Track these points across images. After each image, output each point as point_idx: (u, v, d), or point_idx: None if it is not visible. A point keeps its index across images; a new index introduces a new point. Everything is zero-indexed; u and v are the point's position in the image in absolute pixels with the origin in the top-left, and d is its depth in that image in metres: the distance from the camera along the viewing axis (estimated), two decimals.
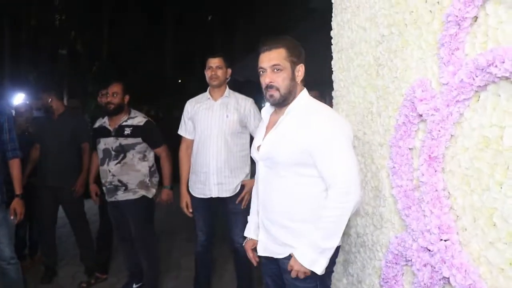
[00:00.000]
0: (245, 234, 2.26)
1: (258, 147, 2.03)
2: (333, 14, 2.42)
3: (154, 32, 15.93)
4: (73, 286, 4.05)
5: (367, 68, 2.07)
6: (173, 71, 15.38)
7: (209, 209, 3.27)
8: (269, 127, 2.03)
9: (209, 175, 3.15)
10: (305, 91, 1.99)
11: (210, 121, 3.18)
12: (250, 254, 2.23)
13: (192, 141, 3.29)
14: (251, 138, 3.30)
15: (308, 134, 1.83)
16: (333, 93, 2.47)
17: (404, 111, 1.69)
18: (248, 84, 3.40)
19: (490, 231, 1.37)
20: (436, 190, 1.55)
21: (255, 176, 2.19)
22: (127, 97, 3.58)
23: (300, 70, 1.94)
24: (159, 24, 16.21)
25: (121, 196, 3.48)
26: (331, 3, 2.44)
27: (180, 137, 3.41)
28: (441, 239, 1.54)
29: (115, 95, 3.51)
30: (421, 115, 1.63)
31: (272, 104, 1.99)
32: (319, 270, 1.84)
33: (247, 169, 3.28)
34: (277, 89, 1.91)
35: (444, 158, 1.55)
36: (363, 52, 2.09)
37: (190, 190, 3.28)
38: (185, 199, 3.26)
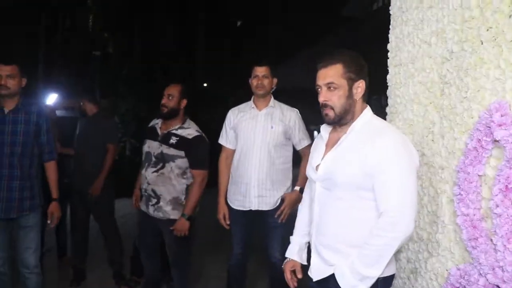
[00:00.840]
0: (287, 255, 2.16)
1: (317, 166, 1.92)
2: (391, 27, 2.31)
3: (184, 36, 15.97)
4: None
5: (430, 85, 1.95)
6: (201, 76, 15.37)
7: (247, 222, 3.17)
8: (328, 146, 1.92)
9: (250, 186, 3.06)
10: (368, 109, 1.87)
11: (254, 131, 3.10)
12: (288, 276, 2.13)
13: (233, 151, 3.21)
14: (294, 151, 3.21)
15: (370, 156, 1.71)
16: (388, 109, 2.36)
17: (477, 135, 1.57)
18: (277, 93, 3.25)
19: None
20: None
21: (308, 196, 2.09)
22: (184, 102, 3.24)
23: (360, 86, 1.82)
24: (189, 29, 16.25)
25: (152, 212, 3.20)
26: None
27: (217, 146, 3.32)
28: None
29: (170, 98, 3.20)
30: (496, 141, 1.51)
31: (328, 123, 1.88)
32: None
33: (289, 183, 3.18)
34: (332, 108, 1.81)
35: None
36: (426, 68, 1.97)
37: (229, 202, 3.19)
38: (222, 211, 3.17)
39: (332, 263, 1.83)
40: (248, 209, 3.12)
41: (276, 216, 3.08)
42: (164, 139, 3.20)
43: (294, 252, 2.12)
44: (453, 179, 1.77)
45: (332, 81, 1.79)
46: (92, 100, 4.36)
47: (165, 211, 3.17)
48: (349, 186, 1.77)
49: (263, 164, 3.07)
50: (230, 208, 3.19)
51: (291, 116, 3.17)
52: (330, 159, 1.85)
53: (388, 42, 2.35)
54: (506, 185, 1.44)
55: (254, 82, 3.14)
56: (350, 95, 1.81)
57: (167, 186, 3.17)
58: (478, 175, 1.60)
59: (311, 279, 1.97)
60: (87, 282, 4.18)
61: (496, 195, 1.47)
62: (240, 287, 3.34)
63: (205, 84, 15.34)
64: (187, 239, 3.25)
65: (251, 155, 3.09)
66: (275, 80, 3.19)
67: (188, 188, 3.21)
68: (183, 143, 3.17)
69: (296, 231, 2.16)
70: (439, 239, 1.87)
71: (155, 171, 3.18)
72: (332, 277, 1.82)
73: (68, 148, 4.26)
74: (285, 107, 3.21)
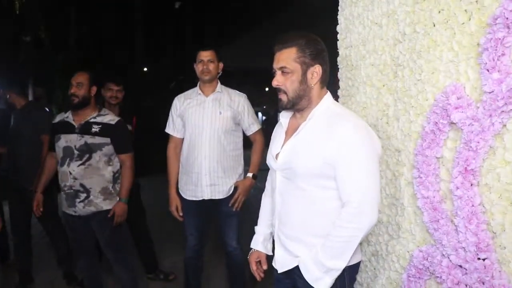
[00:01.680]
0: (252, 246, 2.11)
1: (276, 155, 1.86)
2: (339, 8, 2.27)
3: (122, 21, 15.34)
4: None
5: (382, 68, 1.93)
6: (141, 61, 14.89)
7: (200, 212, 3.10)
8: (288, 133, 1.86)
9: (201, 175, 2.99)
10: (328, 95, 1.83)
11: (202, 118, 3.00)
12: (254, 267, 2.09)
13: (181, 139, 3.11)
14: (244, 136, 3.15)
15: (331, 144, 1.67)
16: (339, 92, 2.33)
17: (434, 118, 1.56)
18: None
19: None
20: (473, 205, 1.44)
21: (270, 185, 2.05)
22: (94, 89, 3.14)
23: (316, 71, 1.76)
24: (128, 14, 15.61)
25: (81, 209, 3.07)
26: None
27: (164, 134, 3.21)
28: (479, 258, 1.43)
29: (79, 86, 3.08)
30: (453, 123, 1.51)
31: (281, 108, 1.83)
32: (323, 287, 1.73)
33: (241, 169, 3.12)
34: (285, 93, 1.76)
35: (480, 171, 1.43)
36: (377, 50, 1.95)
37: (181, 192, 3.10)
38: (174, 202, 3.08)
39: (296, 254, 1.81)
40: (200, 198, 3.05)
41: (230, 204, 3.03)
42: (84, 130, 3.08)
43: (259, 243, 2.08)
44: (410, 161, 1.78)
45: (285, 65, 1.74)
46: (19, 92, 4.09)
47: (97, 204, 3.08)
48: (309, 175, 1.73)
49: (214, 151, 2.99)
50: (182, 199, 3.11)
51: (239, 101, 3.10)
52: (289, 147, 1.80)
53: (337, 22, 2.32)
54: (465, 167, 1.44)
55: (199, 67, 3.04)
56: (303, 80, 1.76)
57: (96, 177, 3.07)
58: (436, 158, 1.60)
59: (276, 270, 1.94)
60: (35, 285, 3.98)
61: (456, 177, 1.48)
62: (197, 277, 3.29)
63: (145, 69, 14.92)
64: (122, 229, 3.23)
65: (201, 143, 3.00)
66: (221, 65, 3.11)
67: (114, 176, 3.16)
68: (107, 130, 3.10)
69: (260, 221, 2.11)
70: (399, 222, 1.88)
71: (81, 164, 3.04)
72: (297, 268, 1.79)
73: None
74: (232, 92, 3.14)
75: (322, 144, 1.69)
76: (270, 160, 1.92)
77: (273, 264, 1.96)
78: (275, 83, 1.77)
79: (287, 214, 1.83)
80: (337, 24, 2.31)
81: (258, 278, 2.10)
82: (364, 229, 1.66)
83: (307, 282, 1.74)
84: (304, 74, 1.76)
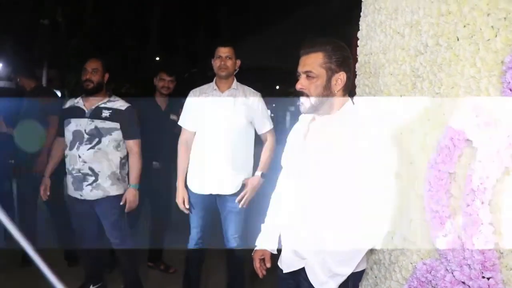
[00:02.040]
0: (257, 244, 2.12)
1: (295, 157, 1.89)
2: (362, 14, 2.26)
3: (137, 12, 15.34)
4: None
5: (401, 78, 1.92)
6: (155, 50, 14.91)
7: (206, 206, 3.10)
8: (308, 136, 1.88)
9: (211, 170, 2.98)
10: (350, 101, 1.84)
11: (216, 113, 3.00)
12: (257, 265, 2.10)
13: (193, 133, 3.11)
14: (256, 135, 3.15)
15: (355, 148, 1.67)
16: (355, 99, 2.32)
17: (450, 133, 1.56)
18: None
19: None
20: (482, 224, 1.43)
21: (281, 185, 2.08)
22: (107, 75, 3.24)
23: (340, 78, 1.77)
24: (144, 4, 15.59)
25: (88, 193, 3.12)
26: None
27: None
28: (483, 276, 1.43)
29: (94, 72, 3.16)
30: (468, 140, 1.50)
31: (303, 112, 1.83)
32: None
33: (250, 167, 3.12)
34: (308, 97, 1.77)
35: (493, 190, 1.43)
36: (398, 60, 1.94)
37: (188, 185, 3.10)
38: (181, 195, 3.08)
39: (303, 256, 1.82)
40: (208, 193, 3.05)
41: (236, 201, 3.04)
42: (95, 114, 3.14)
43: (265, 241, 2.09)
44: (422, 174, 1.77)
45: (310, 70, 1.74)
46: (28, 75, 4.13)
47: (105, 188, 3.13)
48: (327, 179, 1.73)
49: (225, 147, 2.99)
50: (189, 192, 3.12)
51: (254, 99, 3.10)
52: (311, 150, 1.81)
53: (358, 28, 2.31)
54: (478, 185, 1.44)
55: (217, 62, 3.04)
56: (328, 86, 1.76)
57: (105, 161, 3.13)
58: (449, 173, 1.60)
59: (281, 269, 1.96)
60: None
61: (468, 194, 1.47)
62: (198, 271, 3.29)
63: (157, 58, 14.93)
64: (124, 217, 3.26)
65: (212, 138, 3.00)
66: (238, 62, 3.11)
67: (122, 162, 3.21)
68: (117, 115, 3.16)
69: (267, 219, 2.12)
70: (405, 233, 1.87)
71: (91, 148, 3.10)
72: (303, 270, 1.81)
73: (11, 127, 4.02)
74: (248, 89, 3.13)
75: (345, 147, 1.69)
76: (288, 162, 1.94)
77: (278, 263, 1.98)
78: (299, 86, 1.78)
79: (303, 213, 1.83)
80: (353, 30, 2.31)
81: (260, 275, 2.11)
82: (375, 240, 1.70)
83: (312, 285, 1.76)
84: (329, 80, 1.76)
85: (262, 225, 2.13)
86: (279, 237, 2.03)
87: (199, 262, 3.25)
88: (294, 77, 1.86)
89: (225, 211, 3.10)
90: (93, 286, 3.47)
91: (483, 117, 1.43)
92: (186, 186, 3.11)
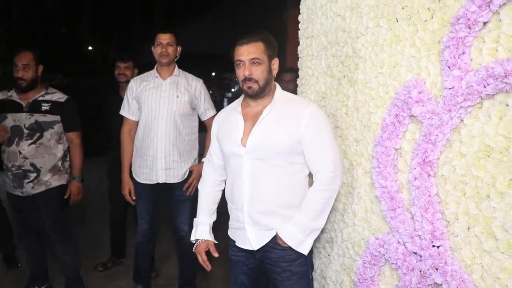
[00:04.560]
0: (199, 237, 2.15)
1: (241, 141, 1.96)
2: None
3: None
4: None
5: (344, 59, 1.97)
6: (87, 38, 14.27)
7: (153, 196, 3.06)
8: (248, 120, 1.98)
9: (157, 159, 2.95)
10: (277, 84, 2.04)
11: (159, 101, 2.95)
12: (204, 258, 2.14)
13: (136, 122, 3.05)
14: (199, 121, 3.13)
15: (299, 123, 1.88)
16: (299, 81, 2.36)
17: (395, 111, 1.62)
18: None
19: (487, 240, 1.35)
20: (429, 195, 1.51)
21: (211, 175, 2.19)
22: (41, 68, 3.08)
23: (275, 63, 1.98)
24: None
25: (30, 190, 3.03)
26: None
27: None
28: (433, 245, 1.51)
29: (27, 69, 2.98)
30: (413, 116, 1.57)
31: (251, 95, 1.95)
32: (306, 250, 1.92)
33: (195, 154, 3.11)
34: (256, 81, 1.92)
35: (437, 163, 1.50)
36: (340, 42, 1.99)
37: (134, 176, 3.05)
38: (128, 186, 3.03)
39: (271, 227, 1.95)
40: (155, 182, 3.01)
41: (184, 189, 3.02)
42: (34, 108, 3.03)
43: (206, 232, 2.15)
44: (368, 151, 1.84)
45: (257, 57, 1.91)
46: None
47: (47, 182, 3.06)
48: (282, 153, 1.91)
49: (170, 135, 2.96)
50: (135, 182, 3.06)
51: (196, 85, 3.08)
52: (260, 130, 1.93)
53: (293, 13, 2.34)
54: (424, 159, 1.51)
55: (158, 49, 2.99)
56: (269, 70, 1.96)
57: (47, 156, 3.06)
58: (395, 149, 1.67)
59: (237, 253, 2.06)
60: None
61: (414, 168, 1.54)
62: (148, 263, 3.25)
63: (90, 48, 14.35)
64: (68, 208, 3.22)
65: (157, 126, 2.95)
66: (179, 48, 3.06)
67: (65, 154, 3.16)
68: (57, 107, 3.07)
69: (201, 211, 2.18)
70: (355, 210, 1.94)
71: (32, 143, 2.99)
72: (270, 241, 1.95)
73: None
74: (190, 76, 3.11)
75: (290, 124, 1.89)
76: (232, 147, 1.98)
77: (239, 245, 2.04)
78: (247, 73, 1.91)
79: (260, 191, 1.94)
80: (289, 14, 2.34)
81: (208, 269, 2.16)
82: (337, 189, 1.92)
83: (285, 250, 1.93)
84: (270, 65, 1.95)
85: (196, 219, 2.18)
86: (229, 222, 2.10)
87: (148, 253, 3.21)
88: (229, 64, 2.02)
89: (173, 200, 3.07)
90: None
91: (425, 94, 1.50)
92: (131, 177, 3.04)
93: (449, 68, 1.40)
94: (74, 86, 9.57)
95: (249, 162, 1.94)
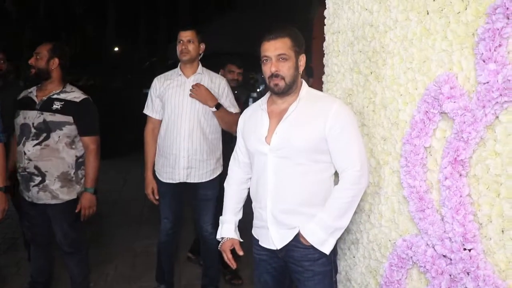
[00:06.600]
0: (224, 235, 2.11)
1: (266, 138, 1.93)
2: None
3: None
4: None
5: (371, 54, 1.90)
6: (113, 39, 14.44)
7: (176, 195, 3.04)
8: (273, 117, 1.94)
9: (179, 158, 2.92)
10: (304, 81, 2.00)
11: (182, 99, 2.93)
12: (229, 256, 2.11)
13: (159, 121, 3.03)
14: None
15: (327, 121, 1.84)
16: (324, 78, 2.30)
17: (424, 107, 1.55)
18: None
19: None
20: (461, 196, 1.43)
21: (236, 174, 2.15)
22: (55, 61, 2.81)
23: (302, 60, 1.93)
24: None
25: (35, 195, 2.77)
26: None
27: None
28: (465, 248, 1.43)
29: (38, 57, 2.79)
30: (443, 113, 1.50)
31: (277, 93, 1.91)
32: (328, 250, 1.88)
33: (218, 153, 3.07)
34: (283, 78, 1.88)
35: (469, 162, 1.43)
36: (367, 37, 1.93)
37: (157, 175, 3.03)
38: (151, 185, 3.01)
39: (294, 226, 1.91)
40: (177, 181, 2.98)
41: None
42: (45, 106, 2.77)
43: (231, 231, 2.12)
44: (396, 150, 1.77)
45: (284, 53, 1.86)
46: None
47: (52, 191, 2.77)
48: (307, 151, 1.87)
49: (193, 133, 2.93)
50: (158, 182, 3.04)
51: (220, 83, 3.05)
52: (284, 128, 1.90)
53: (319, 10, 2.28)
54: (455, 158, 1.43)
55: (178, 47, 2.98)
56: (296, 67, 1.90)
57: (54, 160, 2.76)
58: (424, 147, 1.60)
59: (260, 252, 2.03)
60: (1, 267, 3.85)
61: (445, 167, 1.47)
62: (170, 263, 3.24)
63: (116, 48, 14.53)
64: (79, 221, 2.88)
65: (180, 125, 2.93)
66: (202, 46, 3.04)
67: (78, 161, 2.85)
68: (70, 108, 2.78)
69: (227, 210, 2.16)
70: (382, 211, 1.87)
71: (37, 144, 2.73)
72: (293, 239, 1.91)
73: None
74: (213, 74, 3.09)
75: (318, 121, 1.85)
76: (257, 145, 1.95)
77: (262, 244, 2.01)
78: (273, 69, 1.87)
79: (283, 190, 1.91)
80: (315, 11, 2.28)
81: (234, 267, 2.15)
82: (363, 189, 1.87)
83: (307, 249, 1.89)
84: (297, 61, 1.90)
85: (222, 217, 2.15)
86: (254, 220, 2.07)
87: (171, 253, 3.19)
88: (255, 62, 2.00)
89: (197, 199, 3.05)
90: None
91: (457, 89, 1.43)
92: (154, 176, 3.03)
93: (484, 61, 1.32)
94: (99, 87, 9.68)
95: (273, 160, 1.91)
